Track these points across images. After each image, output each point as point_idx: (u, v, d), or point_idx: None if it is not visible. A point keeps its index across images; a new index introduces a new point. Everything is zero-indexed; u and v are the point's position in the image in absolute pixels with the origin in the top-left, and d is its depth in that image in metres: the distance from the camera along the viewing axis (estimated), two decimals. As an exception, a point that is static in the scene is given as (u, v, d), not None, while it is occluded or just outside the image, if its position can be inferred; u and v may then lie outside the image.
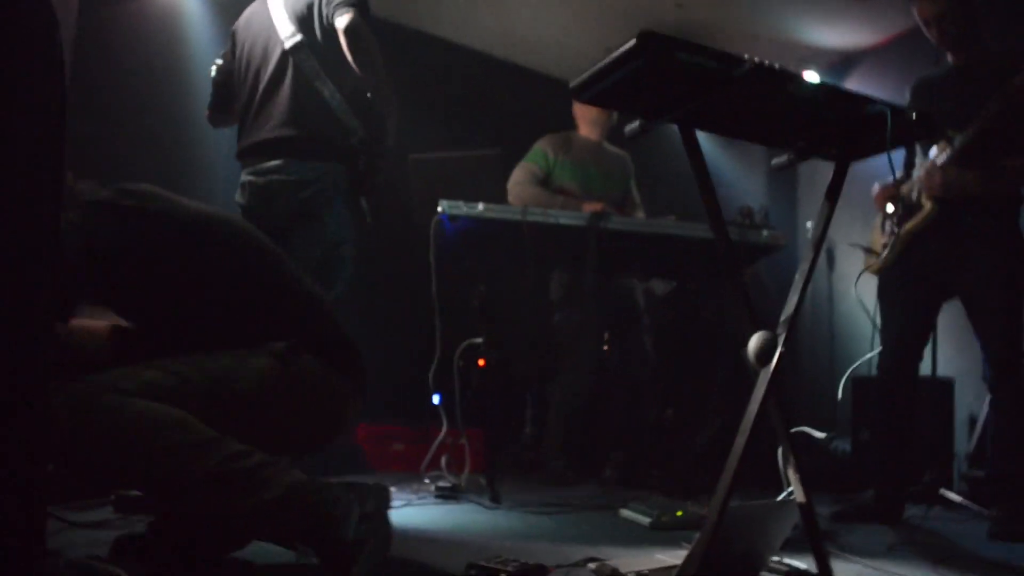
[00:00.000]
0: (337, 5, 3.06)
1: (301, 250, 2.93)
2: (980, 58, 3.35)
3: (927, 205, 3.30)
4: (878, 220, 3.66)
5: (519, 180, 4.47)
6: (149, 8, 4.82)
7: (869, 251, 3.58)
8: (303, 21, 3.13)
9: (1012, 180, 3.27)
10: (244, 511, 1.74)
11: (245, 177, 3.18)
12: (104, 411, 1.69)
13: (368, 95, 3.12)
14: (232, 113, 3.43)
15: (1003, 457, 3.27)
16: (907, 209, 3.40)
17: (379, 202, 3.27)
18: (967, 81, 3.33)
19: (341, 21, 3.02)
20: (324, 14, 3.11)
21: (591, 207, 4.09)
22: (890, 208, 3.45)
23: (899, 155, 3.51)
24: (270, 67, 3.16)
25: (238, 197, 3.19)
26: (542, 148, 4.62)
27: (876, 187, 3.57)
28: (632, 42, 1.64)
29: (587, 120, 4.69)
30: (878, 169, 3.59)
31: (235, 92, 3.34)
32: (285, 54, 3.13)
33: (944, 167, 3.23)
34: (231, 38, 3.41)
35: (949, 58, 3.45)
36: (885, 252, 3.44)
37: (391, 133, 3.19)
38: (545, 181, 4.52)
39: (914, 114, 1.93)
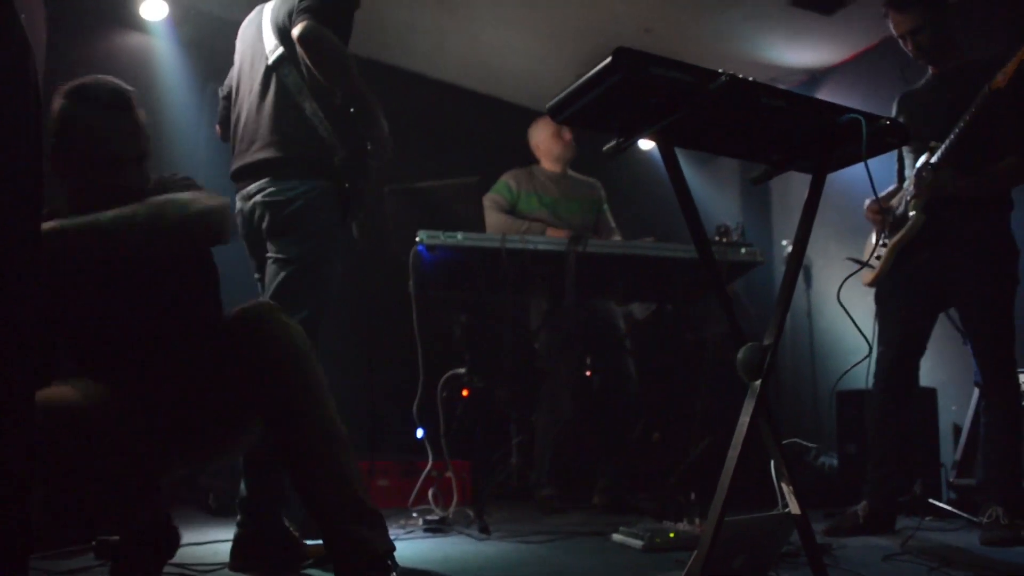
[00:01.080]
0: (297, 13, 2.78)
1: (275, 264, 2.77)
2: (959, 67, 3.40)
3: (914, 215, 3.32)
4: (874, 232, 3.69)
5: (484, 207, 4.47)
6: (120, 49, 4.82)
7: (861, 263, 3.57)
8: (283, 30, 2.90)
9: (1001, 183, 3.30)
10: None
11: (238, 204, 2.97)
12: None
13: (351, 110, 2.91)
14: None
15: (994, 462, 3.28)
16: (895, 222, 3.43)
17: (366, 223, 3.11)
18: (947, 90, 3.38)
19: (296, 31, 2.74)
20: (294, 21, 2.80)
21: (556, 233, 4.09)
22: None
23: (882, 169, 3.53)
24: (256, 83, 2.97)
25: (238, 226, 2.99)
26: (505, 181, 4.66)
27: (867, 202, 3.59)
28: (608, 59, 1.64)
29: (547, 155, 4.71)
30: (855, 183, 3.67)
31: (232, 107, 3.14)
32: (268, 69, 2.94)
33: (936, 167, 3.24)
34: (236, 49, 3.22)
35: (930, 69, 3.51)
36: (879, 264, 3.45)
37: (382, 142, 2.99)
38: (511, 211, 4.54)
39: (887, 121, 1.94)
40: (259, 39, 2.99)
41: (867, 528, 3.31)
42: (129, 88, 2.19)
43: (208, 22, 5.10)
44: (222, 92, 3.26)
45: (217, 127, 3.34)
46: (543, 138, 4.69)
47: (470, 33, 5.89)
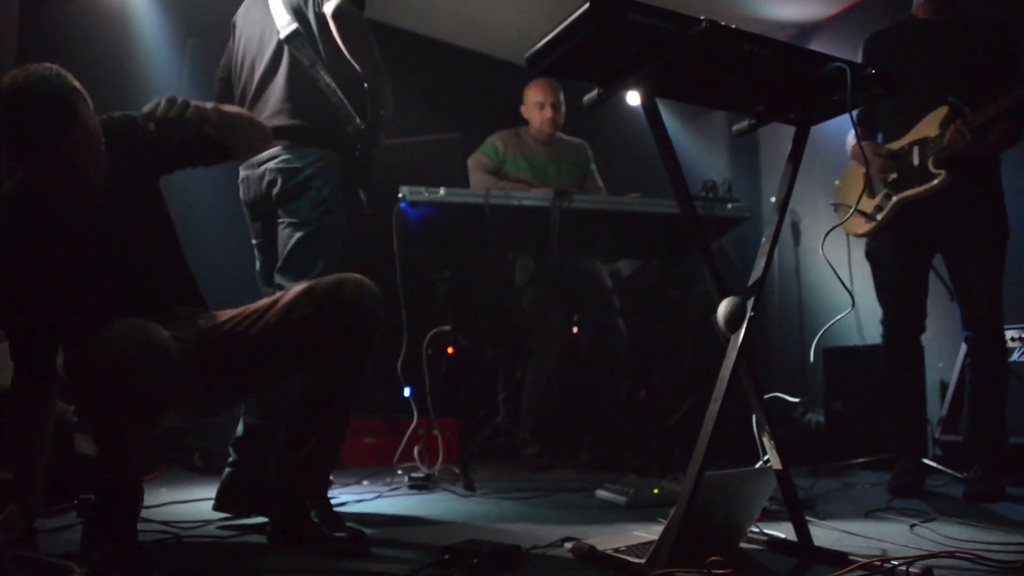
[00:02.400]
0: None
1: (288, 228, 2.92)
2: (952, 17, 3.34)
3: (940, 174, 3.21)
4: (849, 174, 3.62)
5: (471, 168, 4.44)
6: (95, 4, 4.72)
7: (847, 206, 3.52)
8: (298, 10, 3.07)
9: (998, 145, 3.26)
10: None
11: (243, 172, 3.11)
12: None
13: (364, 84, 3.08)
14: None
15: (980, 417, 3.28)
16: (905, 173, 3.33)
17: (373, 193, 3.23)
18: (947, 38, 3.30)
19: (329, 7, 2.92)
20: (316, 1, 3.04)
21: (539, 191, 4.06)
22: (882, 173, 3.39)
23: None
24: (266, 57, 3.09)
25: (241, 194, 3.13)
26: (492, 142, 4.62)
27: (853, 140, 3.49)
28: (585, 6, 1.60)
29: (530, 122, 4.67)
30: (840, 136, 3.63)
31: (235, 85, 3.26)
32: (280, 44, 3.05)
33: (976, 128, 3.14)
34: (231, 30, 3.32)
35: (915, 11, 3.43)
36: (881, 216, 3.39)
37: (387, 122, 3.18)
38: (496, 172, 4.50)
39: (873, 71, 1.91)
40: (268, 16, 3.10)
41: (902, 489, 3.25)
42: (73, 85, 2.09)
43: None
44: (219, 74, 3.35)
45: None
46: (527, 106, 4.64)
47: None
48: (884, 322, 3.47)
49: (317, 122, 3.00)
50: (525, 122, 4.71)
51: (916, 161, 3.29)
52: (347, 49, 2.96)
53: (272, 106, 3.03)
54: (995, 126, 3.17)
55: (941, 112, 3.23)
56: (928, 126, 3.28)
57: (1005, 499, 3.06)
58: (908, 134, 3.33)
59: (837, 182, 3.72)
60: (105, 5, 4.78)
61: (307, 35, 3.04)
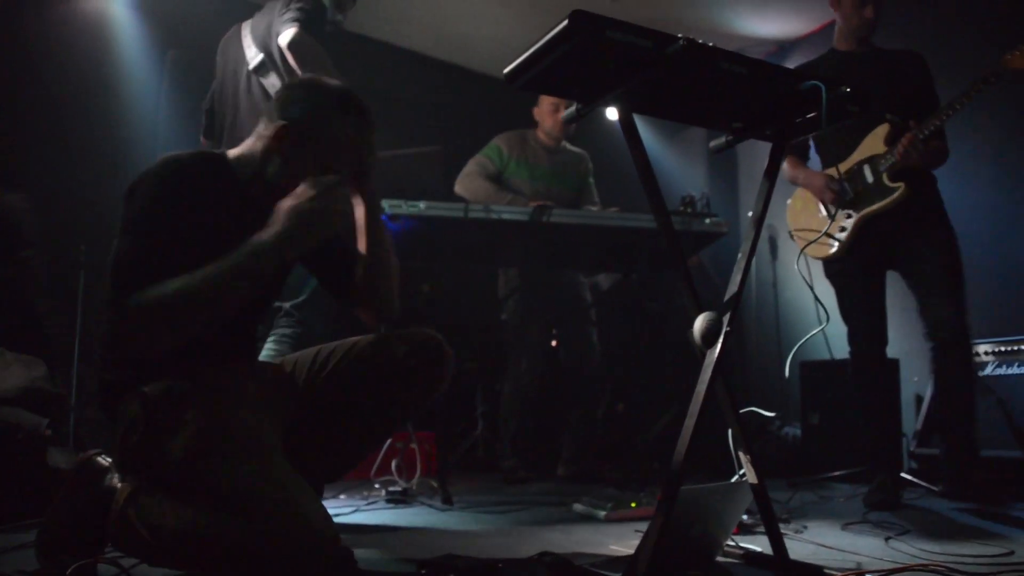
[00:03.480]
0: (283, 22, 3.17)
1: None
2: (869, 49, 3.52)
3: (899, 187, 3.29)
4: (803, 202, 3.66)
5: (469, 172, 4.46)
6: (75, 14, 4.71)
7: (809, 231, 3.57)
8: (264, 43, 3.26)
9: (938, 160, 3.38)
10: None
11: None
12: None
13: None
14: None
15: (950, 434, 3.34)
16: (861, 193, 3.40)
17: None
18: (871, 66, 3.45)
19: (284, 38, 3.11)
20: (275, 32, 3.22)
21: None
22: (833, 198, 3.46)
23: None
24: (240, 89, 3.30)
25: None
26: (498, 144, 4.60)
27: (792, 170, 3.59)
28: (563, 23, 1.61)
29: (541, 125, 4.67)
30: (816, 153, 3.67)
31: (216, 117, 3.47)
32: (249, 75, 3.27)
33: (926, 140, 3.23)
34: (216, 64, 3.51)
35: (837, 44, 3.59)
36: (846, 235, 3.43)
37: None
38: (498, 177, 4.49)
39: (848, 89, 1.93)
40: (240, 51, 3.33)
41: (881, 504, 3.28)
42: None
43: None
44: (204, 106, 3.54)
45: (202, 139, 3.61)
46: (541, 108, 4.64)
47: (435, 0, 5.81)
48: (851, 341, 3.50)
49: None
50: (523, 126, 4.71)
51: (871, 178, 3.37)
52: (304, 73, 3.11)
53: (242, 135, 3.08)
54: (928, 142, 3.27)
55: (883, 129, 3.36)
56: (873, 144, 3.39)
57: (978, 509, 3.10)
58: (853, 154, 3.42)
59: (789, 201, 3.75)
60: (85, 15, 4.78)
61: (272, 66, 3.22)
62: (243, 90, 3.31)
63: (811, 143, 3.63)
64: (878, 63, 3.45)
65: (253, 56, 3.29)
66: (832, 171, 3.44)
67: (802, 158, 3.63)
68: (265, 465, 1.72)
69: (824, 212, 3.50)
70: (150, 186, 1.85)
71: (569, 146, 4.75)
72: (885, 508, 3.19)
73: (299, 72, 3.15)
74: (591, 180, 4.78)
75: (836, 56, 3.57)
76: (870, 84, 3.29)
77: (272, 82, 3.23)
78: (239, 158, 2.04)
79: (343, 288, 2.25)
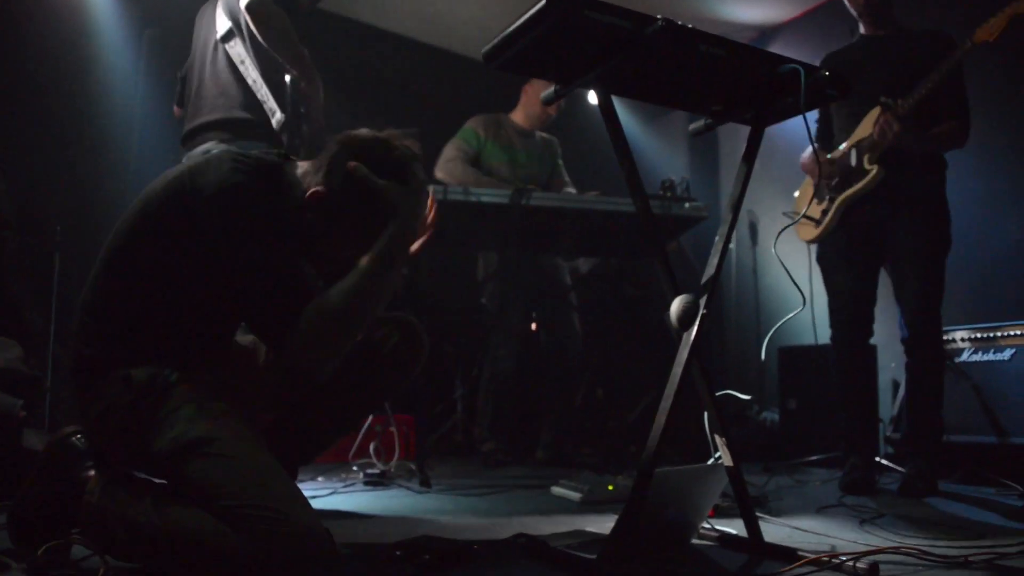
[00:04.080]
0: None
1: None
2: (897, 31, 3.45)
3: (872, 169, 3.32)
4: (805, 187, 3.69)
5: (451, 157, 4.42)
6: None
7: (803, 216, 3.59)
8: (232, 11, 3.22)
9: (939, 145, 3.35)
10: None
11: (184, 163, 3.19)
12: None
13: (287, 78, 3.14)
14: None
15: (916, 416, 3.37)
16: (845, 175, 3.42)
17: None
18: (888, 49, 3.41)
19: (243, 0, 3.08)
20: None
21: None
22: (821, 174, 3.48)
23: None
24: (208, 57, 3.27)
25: None
26: (473, 127, 4.57)
27: (806, 154, 3.60)
28: (541, 2, 1.60)
29: (528, 109, 4.64)
30: (797, 139, 3.67)
31: (188, 84, 3.42)
32: (217, 43, 3.24)
33: (902, 117, 3.23)
34: (192, 34, 3.48)
35: (862, 29, 3.53)
36: (826, 219, 3.46)
37: (315, 115, 3.21)
38: (475, 160, 4.47)
39: (827, 73, 1.93)
40: (213, 20, 3.30)
41: (854, 487, 3.29)
42: None
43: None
44: (180, 74, 3.51)
45: (175, 107, 3.58)
46: (531, 95, 4.61)
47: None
48: (832, 324, 3.52)
49: (247, 117, 3.14)
50: (502, 109, 4.70)
51: (853, 162, 3.38)
52: (266, 41, 3.08)
53: (208, 102, 3.20)
54: (936, 123, 3.25)
55: (875, 112, 3.34)
56: (864, 128, 3.38)
57: (937, 494, 3.15)
58: (850, 138, 3.42)
59: (796, 194, 3.79)
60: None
61: (239, 34, 3.19)
62: (209, 59, 3.28)
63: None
64: (895, 45, 3.41)
65: (223, 25, 3.26)
66: (834, 154, 3.46)
67: (827, 146, 3.61)
68: (257, 472, 1.66)
69: (826, 195, 3.52)
70: (251, 221, 1.76)
71: (539, 133, 4.74)
72: (858, 491, 3.22)
73: (260, 38, 3.07)
74: (560, 162, 4.78)
75: (859, 41, 3.55)
76: (883, 68, 3.34)
77: (237, 50, 3.19)
78: (303, 176, 1.92)
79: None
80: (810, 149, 3.52)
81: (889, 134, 3.21)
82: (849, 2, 3.49)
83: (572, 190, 4.61)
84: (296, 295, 1.73)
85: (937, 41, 3.30)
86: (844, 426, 3.56)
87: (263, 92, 3.14)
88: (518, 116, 4.66)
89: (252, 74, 3.16)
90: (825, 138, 3.63)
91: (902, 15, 3.53)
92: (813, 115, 1.86)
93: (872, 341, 4.40)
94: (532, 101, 4.59)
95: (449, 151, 4.46)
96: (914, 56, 3.31)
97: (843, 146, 3.45)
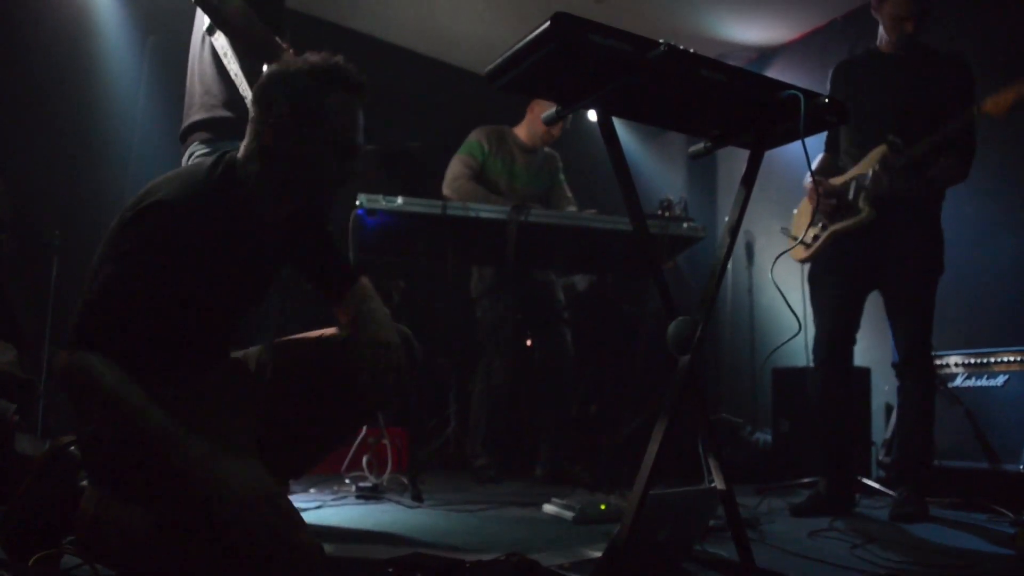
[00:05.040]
0: None
1: None
2: (914, 48, 3.42)
3: (865, 209, 3.33)
4: (804, 206, 3.70)
5: (458, 175, 4.39)
6: (58, 1, 4.67)
7: (793, 237, 3.62)
8: None
9: (944, 178, 3.36)
10: None
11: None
12: None
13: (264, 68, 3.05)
14: None
15: (907, 441, 3.37)
16: (840, 206, 3.42)
17: None
18: (907, 72, 3.40)
19: None
20: None
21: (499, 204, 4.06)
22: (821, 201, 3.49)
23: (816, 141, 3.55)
24: (197, 53, 3.22)
25: None
26: (477, 139, 4.55)
27: (809, 179, 3.60)
28: (546, 24, 1.61)
29: (530, 127, 4.64)
30: (795, 160, 3.68)
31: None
32: (204, 36, 3.17)
33: (896, 172, 3.27)
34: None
35: (881, 45, 3.50)
36: (816, 244, 3.48)
37: None
38: (480, 173, 4.47)
39: (826, 99, 1.94)
40: (202, 16, 3.21)
41: (829, 508, 3.31)
42: None
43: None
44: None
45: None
46: (536, 113, 4.60)
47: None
48: (815, 345, 3.52)
49: (229, 115, 3.06)
50: (505, 123, 4.70)
51: (851, 195, 3.40)
52: (226, 33, 3.03)
53: (196, 101, 3.13)
54: (935, 163, 3.28)
55: (880, 150, 3.33)
56: (868, 164, 3.39)
57: (927, 520, 3.15)
58: (854, 168, 3.44)
59: (795, 211, 3.80)
60: (66, 2, 4.72)
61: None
62: (198, 54, 3.24)
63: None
64: (912, 68, 3.40)
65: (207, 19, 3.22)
66: (834, 180, 3.46)
67: (833, 151, 3.63)
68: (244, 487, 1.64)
69: (819, 221, 3.54)
70: (140, 237, 1.76)
71: (541, 150, 4.74)
72: (814, 514, 3.24)
73: (219, 29, 3.06)
74: (562, 177, 4.76)
75: (875, 56, 3.52)
76: (898, 91, 3.34)
77: (220, 42, 3.12)
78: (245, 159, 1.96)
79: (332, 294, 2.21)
80: (808, 179, 3.52)
81: (879, 187, 3.28)
82: (887, 30, 3.44)
83: (573, 207, 4.61)
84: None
85: (955, 72, 3.30)
86: (820, 446, 3.57)
87: (243, 86, 3.06)
88: (522, 132, 4.65)
89: (233, 67, 3.08)
90: (834, 147, 3.64)
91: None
92: (813, 140, 1.86)
93: (864, 364, 4.41)
94: (536, 120, 4.58)
95: (455, 168, 4.43)
96: (932, 88, 3.31)
97: (846, 175, 3.45)
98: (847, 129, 3.53)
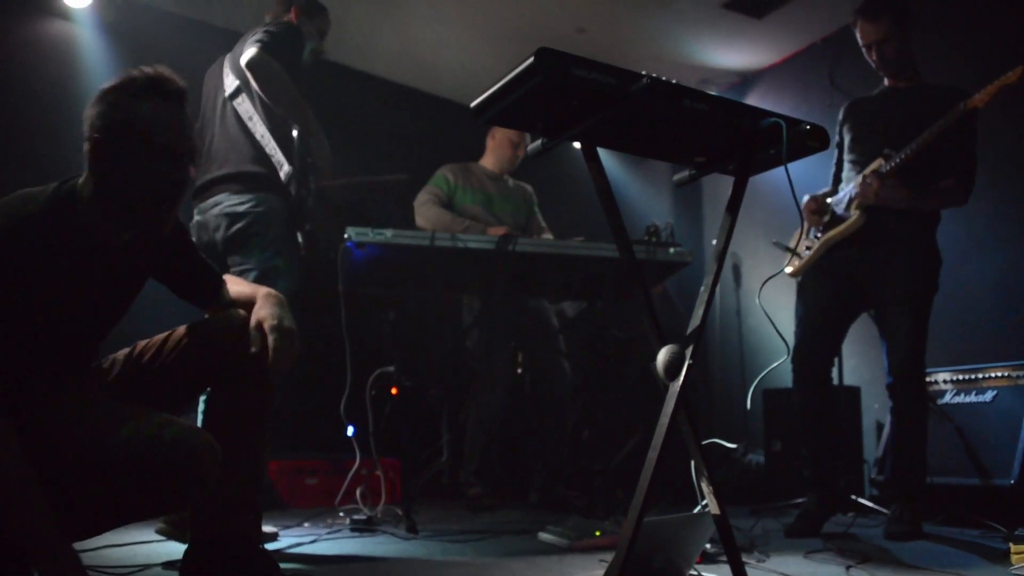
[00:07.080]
0: (249, 43, 3.29)
1: (239, 274, 3.09)
2: (915, 85, 3.53)
3: (855, 214, 3.40)
4: (805, 225, 3.75)
5: (423, 201, 4.47)
6: (41, 37, 4.70)
7: (791, 251, 3.67)
8: (238, 69, 3.35)
9: (936, 202, 3.42)
10: None
11: (196, 217, 3.40)
12: None
13: (295, 132, 3.27)
14: None
15: (900, 460, 3.39)
16: (834, 219, 3.51)
17: (311, 234, 3.38)
18: (902, 103, 3.49)
19: (244, 57, 3.22)
20: (239, 52, 3.36)
21: (496, 231, 4.09)
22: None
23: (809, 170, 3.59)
24: (217, 114, 3.43)
25: (193, 238, 3.17)
26: (443, 174, 4.62)
27: (806, 198, 3.64)
28: (530, 59, 1.64)
29: (497, 153, 4.71)
30: (780, 184, 3.73)
31: (199, 144, 3.48)
32: (225, 102, 3.41)
33: (883, 176, 3.33)
34: (200, 96, 3.61)
35: (885, 81, 3.61)
36: (806, 255, 3.53)
37: (323, 165, 3.36)
38: (448, 204, 4.51)
39: (808, 126, 1.96)
40: (220, 78, 3.48)
41: (822, 524, 3.34)
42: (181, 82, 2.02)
43: (134, 10, 4.98)
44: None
45: (191, 168, 3.60)
46: (499, 139, 4.68)
47: (403, 27, 5.84)
48: (793, 358, 3.54)
49: (256, 170, 3.30)
50: (473, 158, 4.74)
51: (842, 209, 3.46)
52: (267, 96, 3.26)
53: (219, 157, 3.35)
54: (933, 182, 3.31)
55: (875, 164, 3.39)
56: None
57: (922, 538, 3.16)
58: (851, 184, 3.49)
59: (796, 232, 3.84)
60: (51, 37, 4.76)
61: (246, 91, 3.35)
62: (219, 116, 3.42)
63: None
64: (909, 98, 3.49)
65: (231, 84, 3.40)
66: (829, 197, 3.53)
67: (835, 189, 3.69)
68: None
69: (812, 234, 3.60)
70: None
71: (511, 179, 4.81)
72: (808, 534, 3.26)
73: (261, 93, 3.28)
74: (536, 210, 4.84)
75: (882, 92, 3.63)
76: (894, 120, 3.43)
77: (245, 107, 3.34)
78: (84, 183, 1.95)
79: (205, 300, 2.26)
80: (807, 197, 3.58)
81: (869, 192, 3.31)
82: (868, 57, 3.56)
83: (549, 236, 4.65)
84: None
85: (946, 97, 3.36)
86: (806, 465, 3.58)
87: (271, 146, 3.28)
88: (488, 161, 4.73)
89: (260, 129, 3.30)
90: (836, 182, 3.71)
91: (928, 70, 3.62)
92: (797, 166, 1.89)
93: (855, 383, 4.43)
94: (501, 145, 4.69)
95: (423, 196, 4.51)
96: (922, 112, 3.37)
97: (844, 193, 3.52)
98: (847, 163, 3.59)
